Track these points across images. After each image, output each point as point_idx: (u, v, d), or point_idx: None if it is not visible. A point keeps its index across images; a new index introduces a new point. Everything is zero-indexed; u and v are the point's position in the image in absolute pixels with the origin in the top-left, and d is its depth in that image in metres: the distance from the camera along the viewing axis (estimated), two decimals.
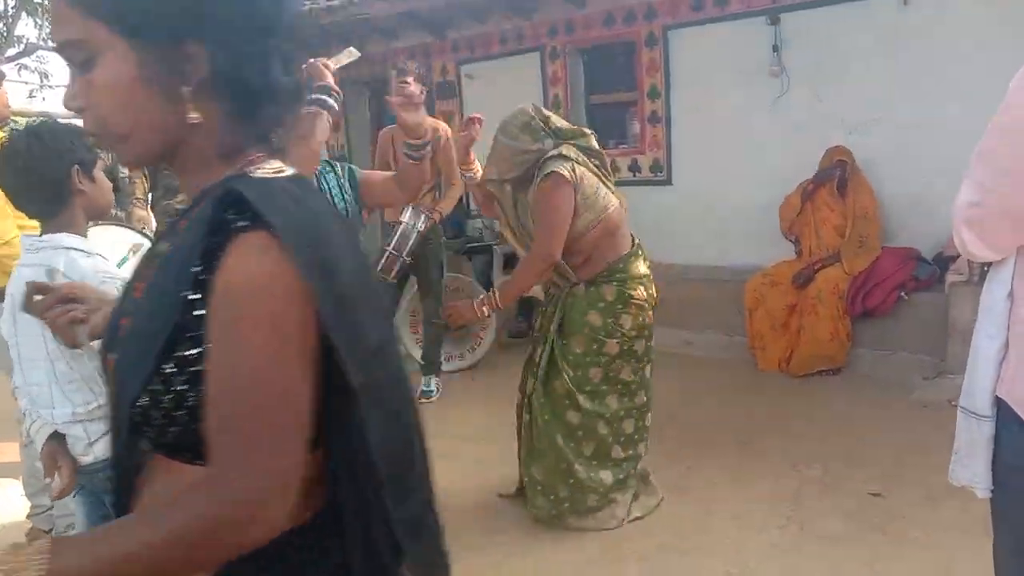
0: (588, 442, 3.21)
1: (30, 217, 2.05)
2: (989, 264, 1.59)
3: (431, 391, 5.04)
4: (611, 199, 3.18)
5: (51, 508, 3.17)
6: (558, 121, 3.25)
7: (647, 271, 3.27)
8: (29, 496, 3.23)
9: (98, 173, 2.04)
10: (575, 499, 3.22)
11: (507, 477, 3.64)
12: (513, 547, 3.16)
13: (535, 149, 3.14)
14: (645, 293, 3.21)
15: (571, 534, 3.22)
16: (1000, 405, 1.52)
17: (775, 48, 5.57)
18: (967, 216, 1.52)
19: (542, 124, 3.18)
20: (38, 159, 1.92)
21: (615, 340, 3.14)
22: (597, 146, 3.28)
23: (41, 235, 1.99)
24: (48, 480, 2.03)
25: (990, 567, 1.70)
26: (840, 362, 5.00)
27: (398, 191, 2.66)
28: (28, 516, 3.23)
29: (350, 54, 2.55)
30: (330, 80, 2.33)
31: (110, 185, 2.11)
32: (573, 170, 3.08)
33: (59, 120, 2.15)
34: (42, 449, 1.97)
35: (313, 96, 2.24)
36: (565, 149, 3.14)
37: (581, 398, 3.16)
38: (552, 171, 3.05)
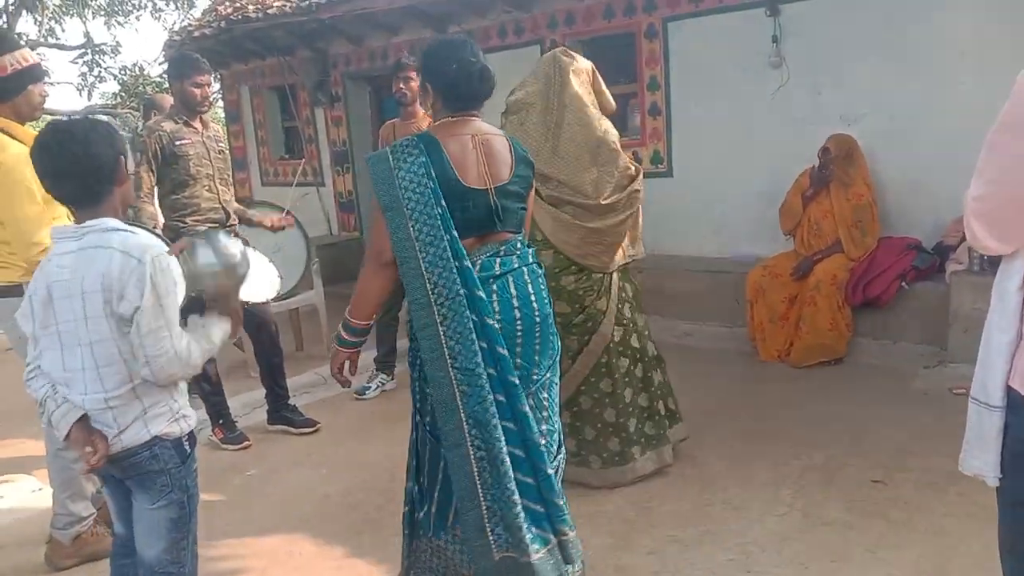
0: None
1: (72, 203, 2.08)
2: (993, 256, 1.61)
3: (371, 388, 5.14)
4: None
5: (79, 520, 3.20)
6: None
7: None
8: (58, 503, 3.24)
9: (129, 169, 2.13)
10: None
11: None
12: None
13: None
14: None
15: (579, 525, 3.22)
16: (1010, 394, 1.55)
17: (775, 39, 5.59)
18: (975, 210, 1.54)
19: None
20: (96, 143, 1.98)
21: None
22: None
23: (78, 223, 2.04)
24: (77, 456, 2.07)
25: (993, 552, 1.73)
26: (841, 352, 5.03)
27: None
28: (52, 525, 3.25)
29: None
30: None
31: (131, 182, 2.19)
32: None
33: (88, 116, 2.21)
34: (70, 431, 2.01)
35: None
36: None
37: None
38: None
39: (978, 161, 1.53)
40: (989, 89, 4.95)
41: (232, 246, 2.24)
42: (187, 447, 2.17)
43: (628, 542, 3.11)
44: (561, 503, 2.43)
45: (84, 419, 2.02)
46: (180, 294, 2.14)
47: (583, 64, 3.43)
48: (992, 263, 1.59)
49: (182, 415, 2.14)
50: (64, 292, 1.97)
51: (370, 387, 5.10)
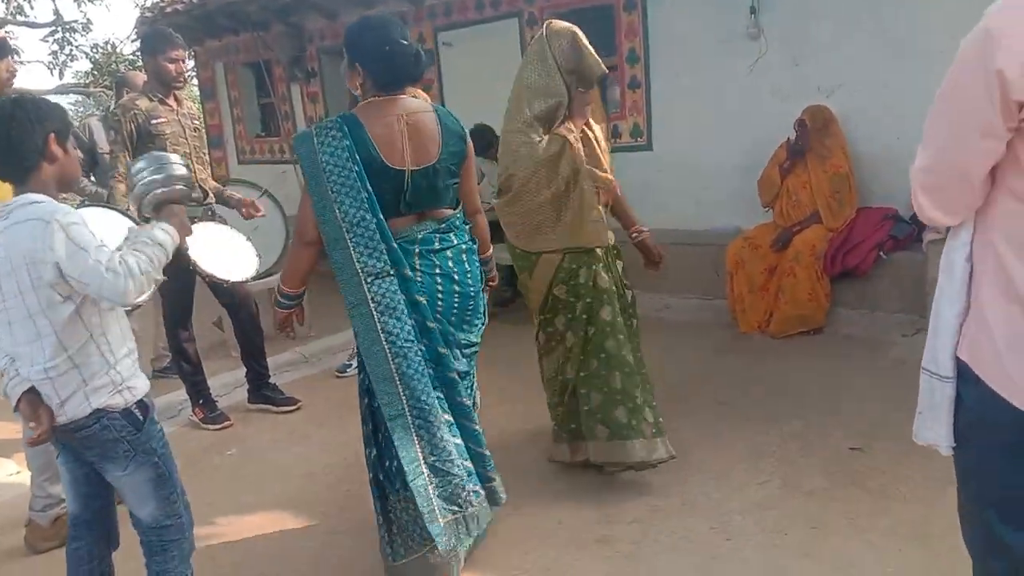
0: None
1: (4, 180, 2.13)
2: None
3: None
4: None
5: (58, 503, 3.18)
6: None
7: None
8: (35, 485, 3.22)
9: (70, 146, 2.15)
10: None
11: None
12: (505, 509, 3.20)
13: None
14: None
15: (563, 496, 3.28)
16: (960, 366, 1.56)
17: (752, 10, 5.56)
18: (921, 182, 1.55)
19: None
20: (20, 122, 2.02)
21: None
22: None
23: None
24: (31, 426, 2.11)
25: None
26: (820, 322, 5.07)
27: None
28: (31, 508, 3.23)
29: None
30: None
31: (78, 158, 2.24)
32: None
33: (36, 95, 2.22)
34: (19, 402, 2.08)
35: None
36: None
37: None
38: None
39: (923, 134, 1.53)
40: None
41: (171, 157, 2.37)
42: (139, 415, 2.20)
43: (610, 513, 3.13)
44: (487, 453, 2.63)
45: (32, 391, 2.08)
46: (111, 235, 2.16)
47: (552, 36, 3.23)
48: None
49: (126, 386, 2.17)
50: (3, 270, 2.03)
51: (351, 364, 5.08)
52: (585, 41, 3.27)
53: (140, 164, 2.34)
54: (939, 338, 1.59)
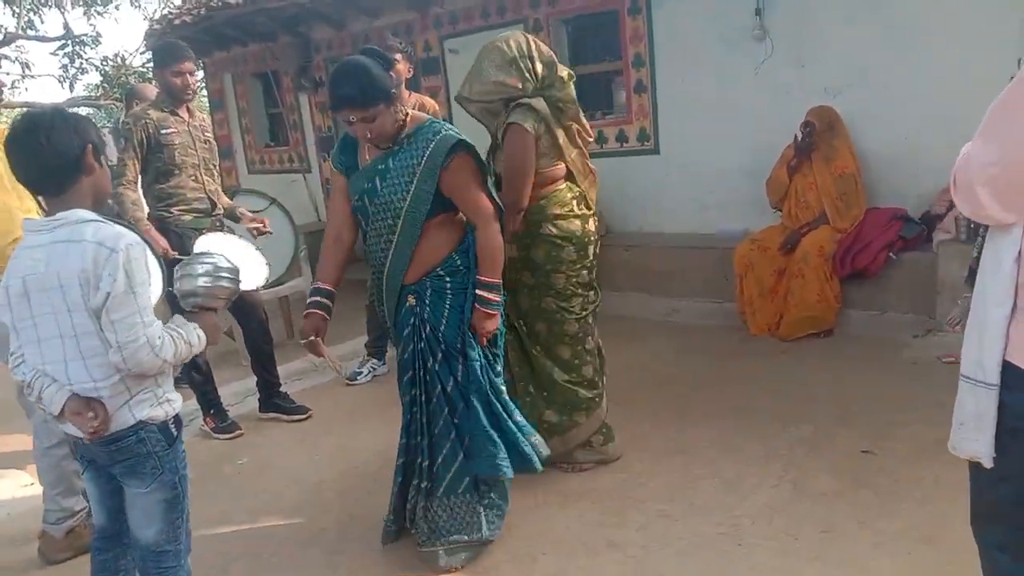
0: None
1: (38, 192, 2.10)
2: (979, 224, 1.54)
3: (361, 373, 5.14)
4: (568, 152, 3.29)
5: (71, 515, 3.20)
6: (540, 64, 3.23)
7: (569, 210, 3.31)
8: (48, 499, 3.22)
9: (104, 161, 2.12)
10: (568, 400, 3.40)
11: None
12: (513, 517, 3.21)
13: (511, 86, 3.20)
14: (557, 231, 3.28)
15: (571, 502, 3.28)
16: (1007, 370, 1.47)
17: (758, 12, 5.56)
18: (987, 176, 1.40)
19: (528, 66, 3.21)
20: (60, 132, 1.99)
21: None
22: (574, 93, 3.30)
23: (48, 215, 2.04)
24: (90, 416, 2.04)
25: None
26: (830, 324, 5.04)
27: None
28: (44, 520, 3.24)
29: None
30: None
31: (109, 174, 2.19)
32: (536, 124, 3.17)
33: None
34: (65, 405, 2.02)
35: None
36: (536, 102, 3.19)
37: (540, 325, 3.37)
38: (514, 122, 3.15)
39: (986, 123, 1.41)
40: (973, 58, 4.98)
41: (224, 264, 2.28)
42: (173, 430, 2.20)
43: (619, 518, 3.13)
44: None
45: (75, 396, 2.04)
46: (155, 285, 2.14)
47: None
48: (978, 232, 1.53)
49: (166, 399, 2.16)
50: (39, 285, 1.98)
51: (361, 372, 5.10)
52: (489, 56, 3.26)
53: (191, 268, 2.24)
54: (985, 343, 1.48)
